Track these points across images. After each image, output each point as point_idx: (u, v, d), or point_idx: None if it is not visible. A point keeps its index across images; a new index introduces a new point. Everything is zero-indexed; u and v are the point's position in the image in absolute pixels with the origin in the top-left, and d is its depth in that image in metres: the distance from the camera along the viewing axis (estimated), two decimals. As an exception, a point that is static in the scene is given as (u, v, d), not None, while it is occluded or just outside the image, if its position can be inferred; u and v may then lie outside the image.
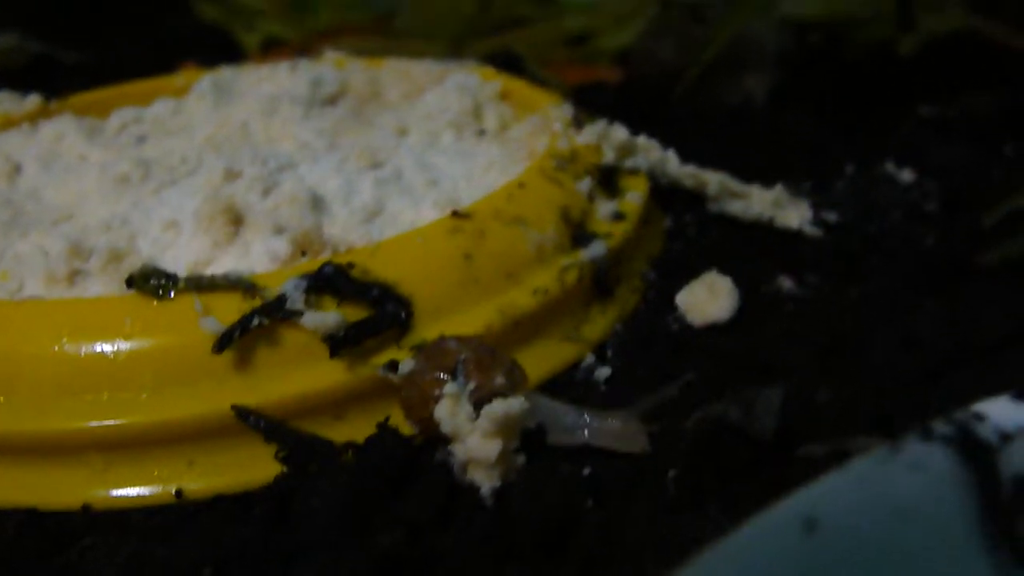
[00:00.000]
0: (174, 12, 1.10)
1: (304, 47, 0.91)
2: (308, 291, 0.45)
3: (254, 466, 0.44)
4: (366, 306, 0.46)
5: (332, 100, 0.72)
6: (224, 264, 0.52)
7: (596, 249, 0.53)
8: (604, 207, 0.56)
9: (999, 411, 0.34)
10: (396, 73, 0.75)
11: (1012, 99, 0.78)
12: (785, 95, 0.77)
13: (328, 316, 0.44)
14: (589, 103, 0.71)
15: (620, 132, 0.61)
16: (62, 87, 0.81)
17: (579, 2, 0.89)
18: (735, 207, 0.62)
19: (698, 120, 0.73)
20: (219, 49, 0.99)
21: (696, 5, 0.75)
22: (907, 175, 0.67)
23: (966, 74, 0.82)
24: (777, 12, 0.87)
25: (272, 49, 0.96)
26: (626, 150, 0.61)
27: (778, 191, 0.63)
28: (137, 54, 1.02)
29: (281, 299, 0.45)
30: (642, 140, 0.62)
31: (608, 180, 0.58)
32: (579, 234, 0.54)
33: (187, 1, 1.09)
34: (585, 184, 0.56)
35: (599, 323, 0.53)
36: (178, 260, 0.53)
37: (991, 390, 0.45)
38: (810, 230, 0.61)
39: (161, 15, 1.11)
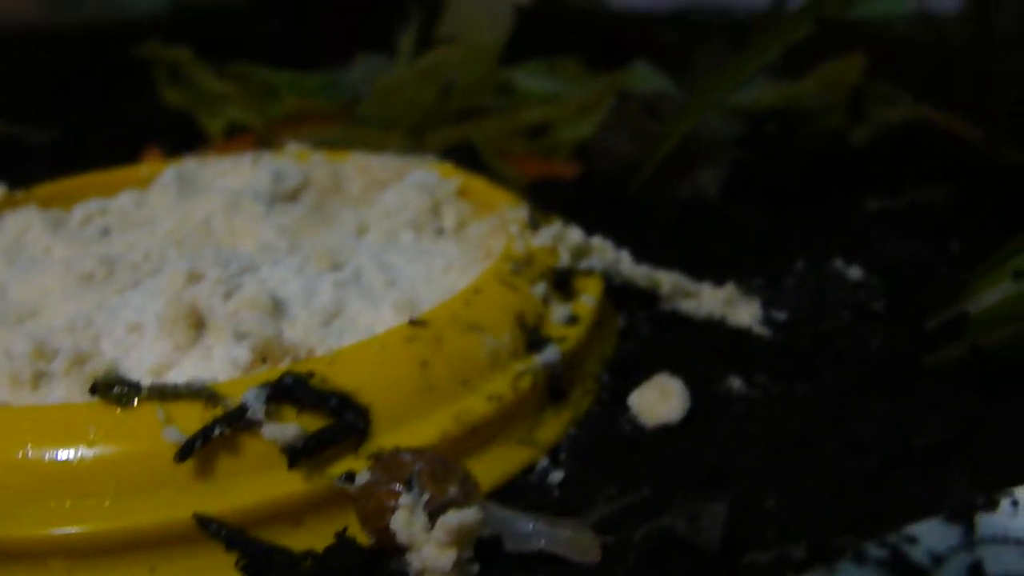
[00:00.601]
0: (139, 95, 1.12)
1: (268, 134, 0.92)
2: (268, 401, 0.47)
3: (215, 574, 0.45)
4: (325, 414, 0.48)
5: (294, 195, 0.73)
6: (186, 368, 0.53)
7: (550, 354, 0.54)
8: (558, 311, 0.58)
9: (931, 533, 0.35)
10: (358, 167, 0.76)
11: (961, 191, 0.80)
12: (738, 188, 0.79)
13: (287, 429, 0.45)
14: (546, 197, 0.73)
15: (575, 234, 0.63)
16: (27, 169, 0.82)
17: (538, 93, 0.91)
18: (687, 305, 0.64)
19: (653, 215, 0.74)
20: (183, 133, 1.00)
21: (652, 100, 0.77)
22: (856, 271, 0.69)
23: (918, 165, 0.85)
24: (732, 102, 0.89)
25: (236, 135, 0.98)
26: (581, 252, 0.62)
27: (729, 289, 0.65)
28: (103, 136, 1.04)
29: (242, 409, 0.46)
30: (596, 241, 0.64)
31: (563, 283, 0.60)
32: (533, 339, 0.55)
33: (152, 84, 1.11)
34: (540, 288, 0.57)
35: (553, 426, 0.54)
36: (141, 363, 0.54)
37: (936, 495, 0.47)
38: (760, 329, 0.63)
39: (127, 98, 1.13)
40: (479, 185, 0.71)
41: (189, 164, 0.78)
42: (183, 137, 0.98)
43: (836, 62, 1.01)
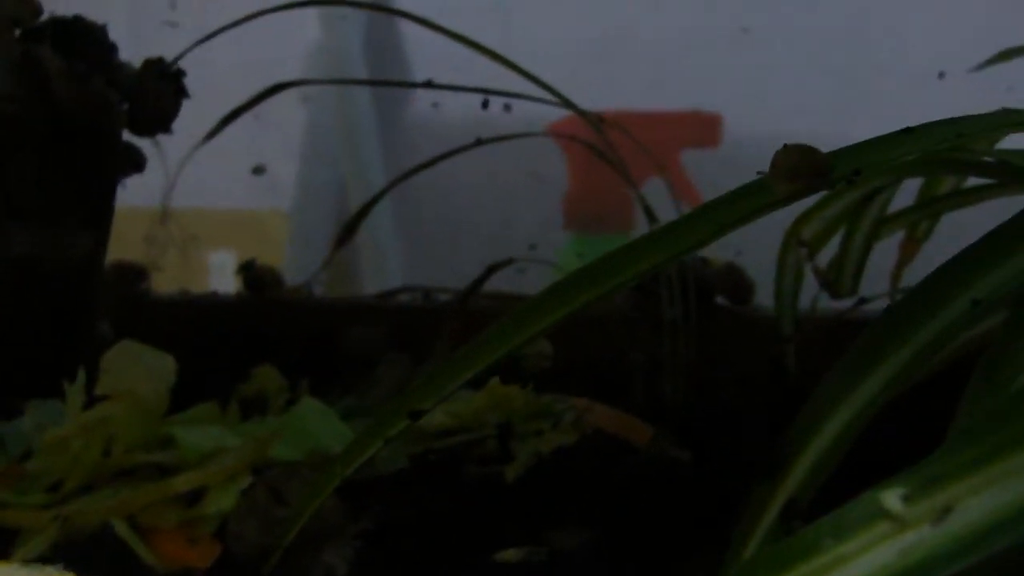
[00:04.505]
0: None
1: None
2: None
3: None
4: None
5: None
6: None
7: None
8: None
9: None
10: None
11: (605, 532, 0.81)
12: (372, 558, 0.79)
13: None
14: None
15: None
16: None
17: (199, 448, 0.91)
18: None
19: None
20: None
21: (279, 482, 0.78)
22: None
23: (570, 496, 0.86)
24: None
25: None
26: None
27: None
28: None
29: None
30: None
31: None
32: None
33: None
34: None
35: None
36: None
37: None
38: None
39: None
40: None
41: None
42: None
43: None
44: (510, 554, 0.80)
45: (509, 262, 1.15)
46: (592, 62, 1.76)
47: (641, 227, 1.19)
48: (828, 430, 0.57)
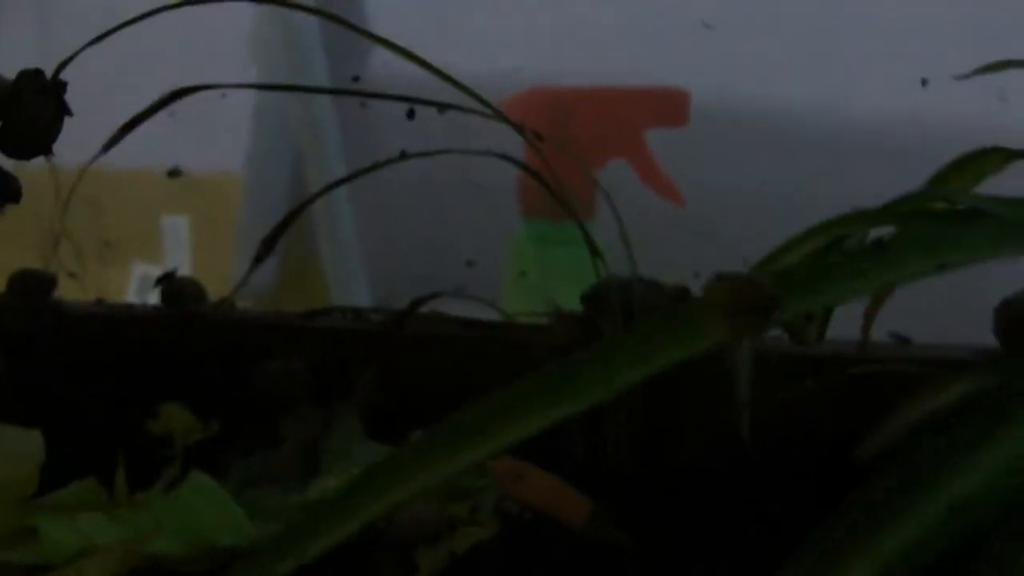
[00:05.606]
0: None
1: None
2: None
3: None
4: None
5: None
6: None
7: None
8: None
9: None
10: None
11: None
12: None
13: None
14: None
15: None
16: None
17: (67, 545, 0.80)
18: None
19: None
20: None
21: None
22: None
23: None
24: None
25: None
26: None
27: None
28: None
29: None
30: None
31: None
32: None
33: None
34: None
35: None
36: None
37: None
38: None
39: None
40: None
41: None
42: None
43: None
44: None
45: (435, 296, 1.03)
46: (553, 38, 1.63)
47: (604, 213, 1.06)
48: None
